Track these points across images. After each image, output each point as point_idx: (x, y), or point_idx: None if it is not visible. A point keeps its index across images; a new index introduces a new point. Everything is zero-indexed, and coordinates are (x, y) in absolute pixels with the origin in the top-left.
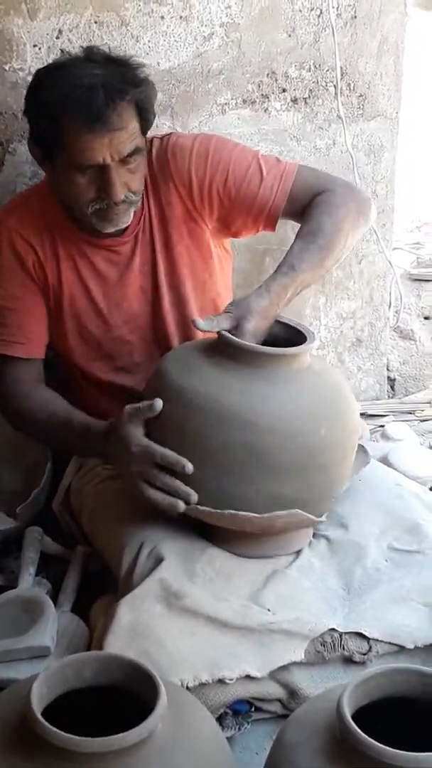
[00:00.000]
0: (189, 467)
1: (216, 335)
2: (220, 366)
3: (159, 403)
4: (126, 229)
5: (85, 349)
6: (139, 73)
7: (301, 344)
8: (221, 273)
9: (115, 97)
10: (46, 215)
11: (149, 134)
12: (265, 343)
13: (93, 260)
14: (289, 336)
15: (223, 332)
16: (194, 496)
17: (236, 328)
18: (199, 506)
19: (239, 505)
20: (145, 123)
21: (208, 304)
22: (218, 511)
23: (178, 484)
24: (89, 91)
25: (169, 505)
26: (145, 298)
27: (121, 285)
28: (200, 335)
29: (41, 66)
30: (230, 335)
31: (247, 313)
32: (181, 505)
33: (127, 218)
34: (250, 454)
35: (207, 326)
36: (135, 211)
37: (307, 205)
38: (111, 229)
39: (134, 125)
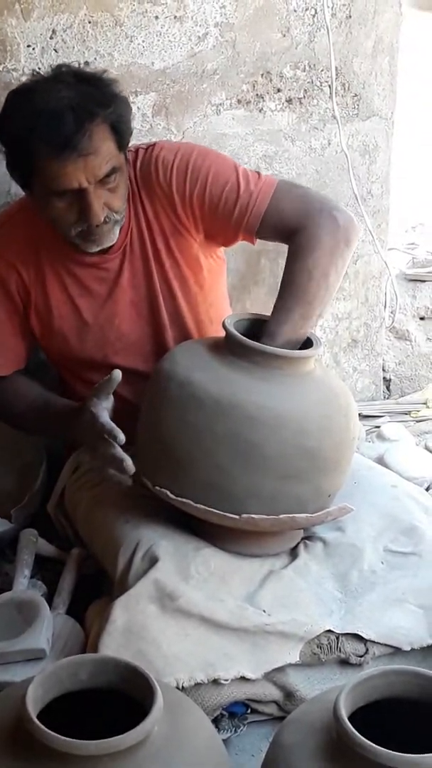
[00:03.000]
0: (120, 438)
1: (225, 334)
2: (229, 363)
3: (117, 373)
4: (113, 244)
5: (79, 364)
6: (112, 90)
7: (306, 349)
8: (214, 283)
9: (84, 120)
10: (31, 235)
11: (134, 135)
12: None
13: (81, 278)
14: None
15: (233, 332)
16: (128, 462)
17: None
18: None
19: (242, 500)
20: (122, 140)
21: (203, 317)
22: (273, 516)
23: (116, 452)
24: (57, 116)
25: (120, 477)
26: (136, 312)
27: (111, 301)
28: None
29: (35, 66)
30: (240, 335)
31: None
32: (124, 480)
33: (112, 237)
34: (252, 450)
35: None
36: (121, 227)
37: (287, 237)
38: (96, 249)
39: (108, 146)
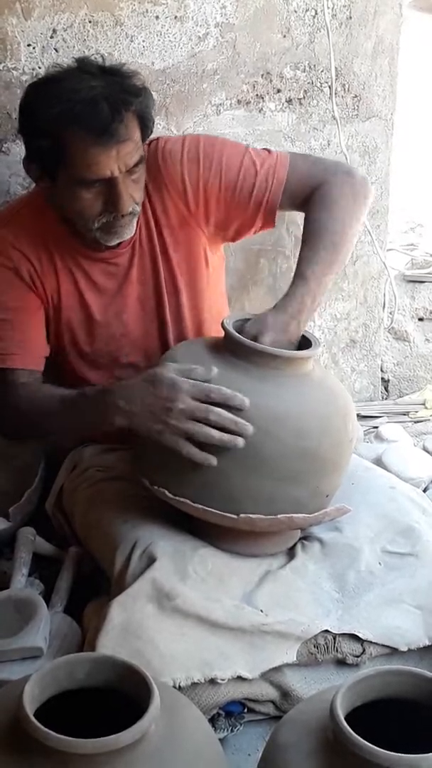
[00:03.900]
0: (246, 402)
1: (223, 333)
2: (227, 363)
3: (215, 369)
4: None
5: (82, 360)
6: (136, 81)
7: (305, 349)
8: (217, 281)
9: (120, 107)
10: (39, 229)
11: None
12: None
13: (91, 273)
14: (298, 342)
15: (231, 331)
16: (250, 428)
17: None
18: (219, 511)
19: (240, 500)
20: (146, 131)
21: (206, 316)
22: (270, 516)
23: (234, 417)
24: (92, 104)
25: (229, 440)
26: (142, 308)
27: (120, 296)
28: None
29: (36, 65)
30: (238, 335)
31: (263, 328)
32: (240, 442)
33: (131, 229)
34: (249, 451)
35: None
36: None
37: (306, 199)
38: (115, 242)
39: (138, 135)
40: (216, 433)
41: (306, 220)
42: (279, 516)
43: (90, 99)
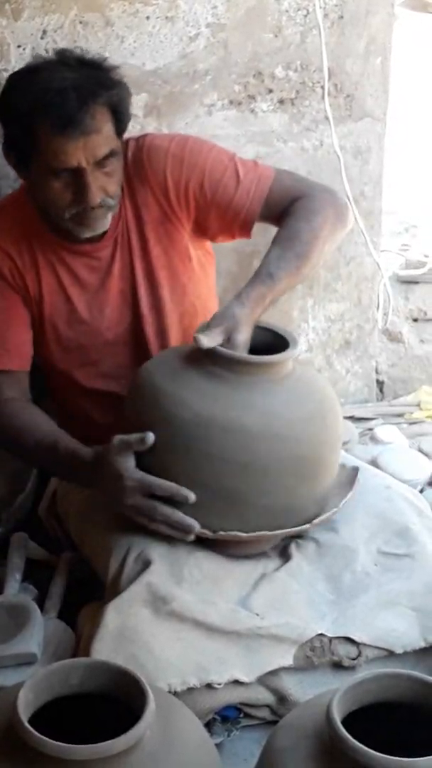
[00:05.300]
0: (191, 497)
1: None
2: (203, 373)
3: (150, 436)
4: (105, 233)
5: (67, 356)
6: (113, 75)
7: (284, 350)
8: (202, 276)
9: (87, 99)
10: (23, 224)
11: (126, 135)
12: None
13: (73, 267)
14: (274, 342)
15: (202, 341)
16: (196, 527)
17: (228, 341)
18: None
19: (226, 515)
20: (120, 125)
21: (189, 308)
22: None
23: (180, 516)
24: (60, 94)
25: (178, 536)
26: (125, 302)
27: (103, 291)
28: (175, 341)
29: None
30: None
31: (237, 324)
32: (190, 537)
33: (105, 223)
34: (236, 465)
35: (209, 343)
36: (113, 215)
37: (284, 210)
38: (88, 235)
39: (108, 128)
40: (165, 529)
41: (282, 224)
42: (257, 533)
43: (59, 89)
